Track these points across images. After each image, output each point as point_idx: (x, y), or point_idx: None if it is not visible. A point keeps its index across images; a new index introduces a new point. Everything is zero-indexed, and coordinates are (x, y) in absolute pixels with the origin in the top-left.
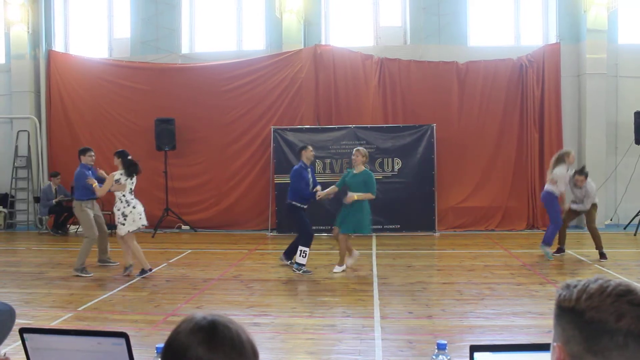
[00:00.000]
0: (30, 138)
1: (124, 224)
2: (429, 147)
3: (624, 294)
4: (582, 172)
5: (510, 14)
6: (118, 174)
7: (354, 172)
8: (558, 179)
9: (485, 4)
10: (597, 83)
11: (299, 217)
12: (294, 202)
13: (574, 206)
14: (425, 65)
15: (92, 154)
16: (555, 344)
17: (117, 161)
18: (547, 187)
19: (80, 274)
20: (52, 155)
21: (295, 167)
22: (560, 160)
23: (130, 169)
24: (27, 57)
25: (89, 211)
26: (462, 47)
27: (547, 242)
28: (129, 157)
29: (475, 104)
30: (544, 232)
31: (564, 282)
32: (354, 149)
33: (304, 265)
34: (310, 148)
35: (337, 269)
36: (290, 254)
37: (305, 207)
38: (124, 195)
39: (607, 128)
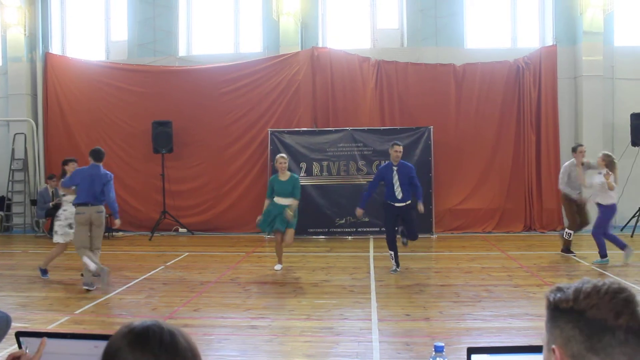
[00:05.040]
0: (27, 141)
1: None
2: (426, 150)
3: (619, 291)
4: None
5: (506, 16)
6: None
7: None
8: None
9: (482, 6)
10: (594, 85)
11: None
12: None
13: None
14: (423, 67)
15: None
16: (552, 346)
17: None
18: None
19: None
20: (49, 157)
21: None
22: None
23: None
24: (24, 59)
25: None
26: (459, 49)
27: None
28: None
29: (472, 106)
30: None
31: (553, 286)
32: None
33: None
34: (396, 147)
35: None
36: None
37: (391, 204)
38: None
39: (604, 130)
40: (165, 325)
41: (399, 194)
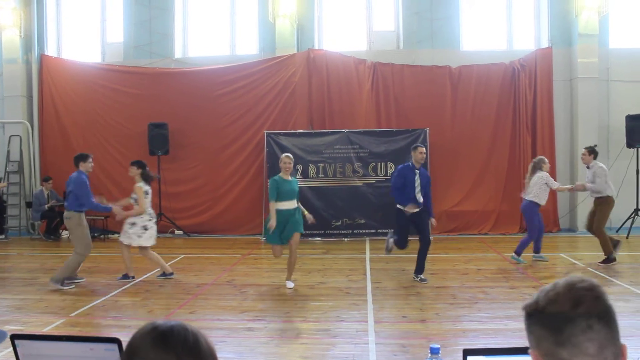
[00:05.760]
0: (23, 143)
1: (140, 237)
2: None
3: (576, 282)
4: (589, 148)
5: (502, 18)
6: (144, 186)
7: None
8: (548, 182)
9: (478, 9)
10: (589, 87)
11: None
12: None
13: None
14: (418, 69)
15: (91, 160)
16: (530, 351)
17: (135, 171)
18: (529, 197)
19: (59, 287)
20: (45, 160)
21: (400, 166)
22: (538, 167)
23: (149, 178)
24: (20, 61)
25: (85, 225)
26: (455, 51)
27: (519, 251)
28: (147, 168)
29: (468, 108)
30: (521, 241)
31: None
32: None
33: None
34: (420, 149)
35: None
36: (420, 268)
37: (407, 209)
38: (149, 207)
39: (599, 132)
40: (189, 327)
41: (420, 197)
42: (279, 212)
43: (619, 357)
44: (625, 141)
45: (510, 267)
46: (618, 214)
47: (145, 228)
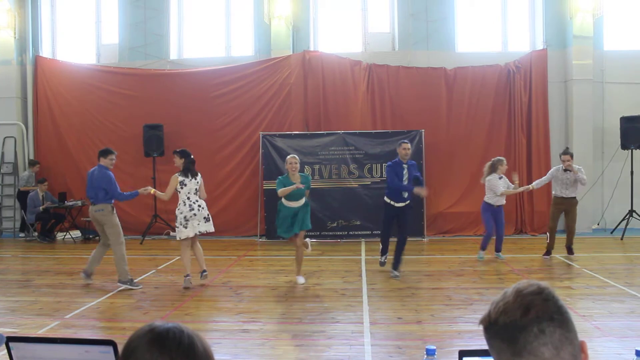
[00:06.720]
0: (17, 144)
1: (185, 228)
2: (418, 153)
3: (524, 287)
4: (566, 152)
5: (497, 20)
6: (180, 176)
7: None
8: (491, 186)
9: (473, 10)
10: (584, 89)
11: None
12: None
13: (565, 193)
14: (414, 71)
15: (114, 157)
16: None
17: (179, 161)
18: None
19: (129, 286)
20: (40, 161)
21: (389, 162)
22: (493, 168)
23: (188, 170)
24: (14, 62)
25: (116, 215)
26: (451, 53)
27: (484, 247)
28: (191, 157)
29: (464, 110)
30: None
31: None
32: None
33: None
34: (404, 145)
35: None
36: (396, 264)
37: (395, 205)
38: (188, 198)
39: (594, 133)
40: (186, 329)
41: (405, 192)
42: (286, 208)
43: (578, 355)
44: (619, 143)
45: (505, 269)
46: (613, 216)
47: (186, 219)
